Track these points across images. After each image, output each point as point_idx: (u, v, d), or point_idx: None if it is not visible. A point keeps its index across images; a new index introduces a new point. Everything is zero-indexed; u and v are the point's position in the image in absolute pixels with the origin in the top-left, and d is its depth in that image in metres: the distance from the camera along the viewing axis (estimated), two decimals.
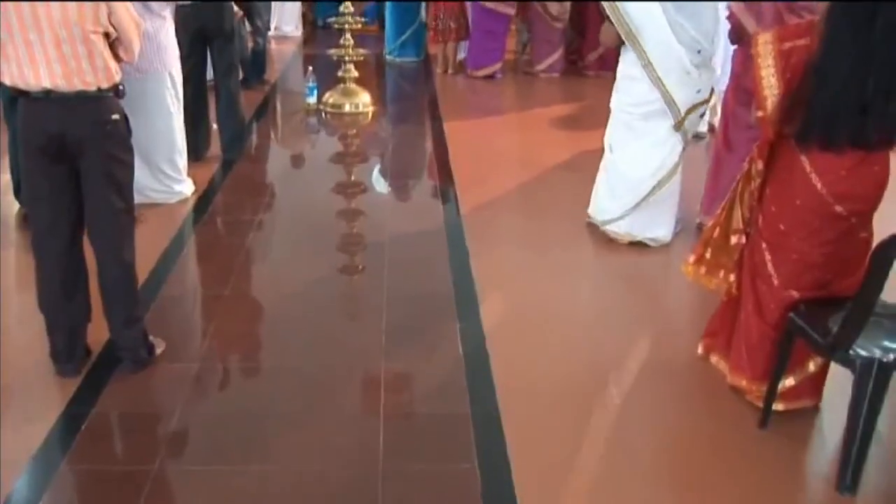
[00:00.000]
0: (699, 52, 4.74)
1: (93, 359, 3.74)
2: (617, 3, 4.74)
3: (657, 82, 4.73)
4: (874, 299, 2.87)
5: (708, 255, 3.59)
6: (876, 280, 2.80)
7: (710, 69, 4.89)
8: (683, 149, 4.93)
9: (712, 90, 4.89)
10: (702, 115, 4.90)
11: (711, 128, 6.62)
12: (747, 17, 4.54)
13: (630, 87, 4.90)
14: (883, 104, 2.89)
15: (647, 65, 4.72)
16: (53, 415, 3.36)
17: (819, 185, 3.05)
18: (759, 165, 3.27)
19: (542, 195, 5.99)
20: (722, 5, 5.18)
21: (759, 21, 4.49)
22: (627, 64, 4.89)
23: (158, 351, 3.80)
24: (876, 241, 2.90)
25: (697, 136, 5.00)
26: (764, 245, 3.28)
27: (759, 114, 3.15)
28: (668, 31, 4.66)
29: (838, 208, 3.05)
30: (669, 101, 4.76)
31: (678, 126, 4.82)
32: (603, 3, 4.86)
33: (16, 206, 5.34)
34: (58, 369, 3.65)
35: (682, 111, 4.77)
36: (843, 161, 2.99)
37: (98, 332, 3.74)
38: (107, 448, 3.21)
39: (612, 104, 5.08)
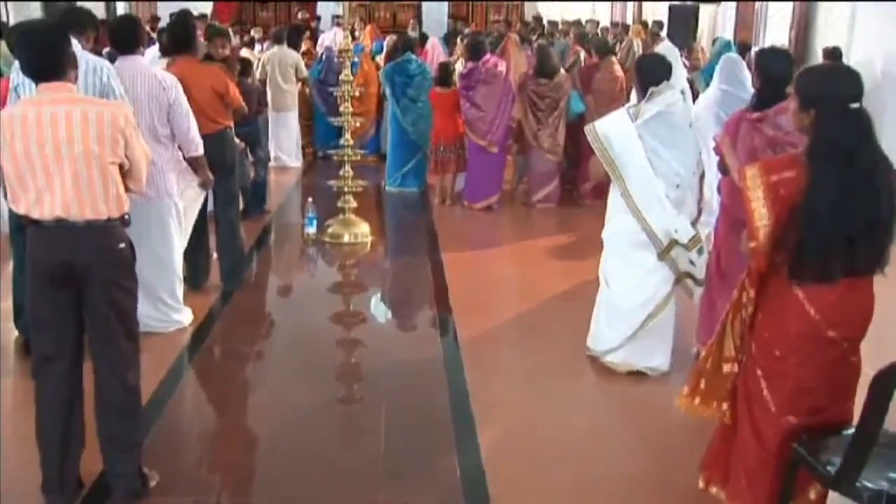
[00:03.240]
0: (678, 185, 4.85)
1: (84, 492, 3.67)
2: (598, 133, 4.89)
3: (636, 212, 4.83)
4: (877, 430, 2.85)
5: (702, 386, 3.60)
6: (877, 410, 2.80)
7: (688, 212, 4.96)
8: (677, 280, 4.97)
9: (696, 235, 4.94)
10: (692, 262, 4.92)
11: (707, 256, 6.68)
12: (731, 151, 4.66)
13: (619, 218, 5.00)
14: (869, 234, 3.00)
15: (626, 195, 4.83)
16: None
17: (812, 312, 3.10)
18: (751, 293, 3.31)
19: (541, 325, 6.00)
20: (708, 138, 5.32)
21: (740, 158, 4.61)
22: (616, 194, 5.00)
23: (152, 483, 3.74)
24: (866, 366, 2.91)
25: (697, 282, 5.05)
26: (759, 372, 3.29)
27: (752, 244, 3.21)
28: (646, 163, 4.78)
29: (831, 333, 3.10)
30: (650, 232, 4.84)
31: (661, 256, 4.88)
32: (586, 131, 5.01)
33: (15, 333, 5.34)
34: (48, 501, 3.58)
35: (664, 241, 4.84)
36: (834, 288, 3.06)
37: (90, 464, 3.68)
38: None
39: (604, 235, 5.18)
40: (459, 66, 10.11)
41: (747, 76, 6.17)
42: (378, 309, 6.56)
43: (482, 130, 9.08)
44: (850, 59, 9.31)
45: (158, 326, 5.55)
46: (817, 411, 3.21)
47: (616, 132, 4.89)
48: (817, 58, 10.16)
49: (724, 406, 3.52)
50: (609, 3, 19.92)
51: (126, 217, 3.53)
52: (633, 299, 5.00)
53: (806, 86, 3.24)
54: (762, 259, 3.18)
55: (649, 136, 4.83)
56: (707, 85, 7.42)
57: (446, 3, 21.27)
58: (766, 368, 3.25)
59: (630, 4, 18.99)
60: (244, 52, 11.13)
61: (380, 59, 11.86)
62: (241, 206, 7.27)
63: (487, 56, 9.24)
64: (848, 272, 3.05)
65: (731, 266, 4.93)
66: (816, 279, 3.07)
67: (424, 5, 21.34)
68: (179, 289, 5.71)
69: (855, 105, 3.07)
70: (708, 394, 3.59)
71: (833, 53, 9.42)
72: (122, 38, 5.42)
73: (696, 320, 5.34)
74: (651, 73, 5.00)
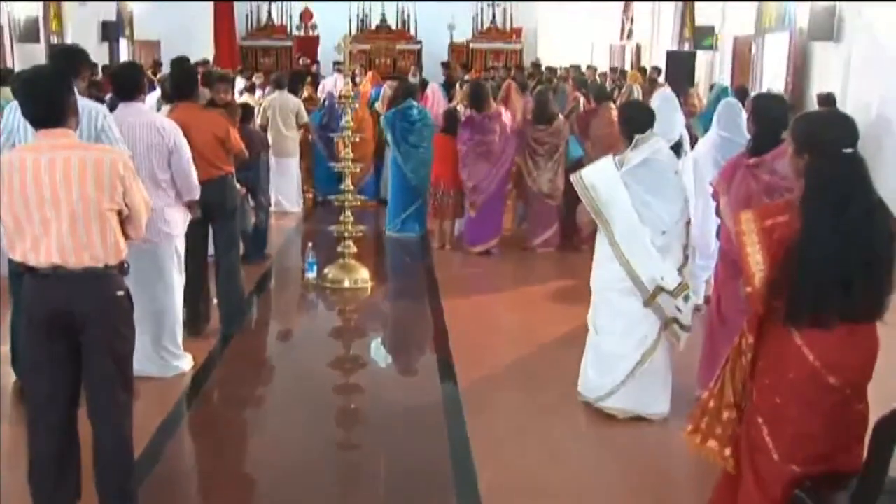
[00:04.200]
0: (664, 232, 4.86)
1: None
2: (585, 181, 4.92)
3: (622, 259, 4.84)
4: (882, 478, 2.83)
5: (703, 425, 3.57)
6: (880, 458, 2.78)
7: (675, 259, 4.97)
8: (665, 326, 4.96)
9: (683, 282, 4.95)
10: (678, 308, 4.92)
11: (707, 300, 6.69)
12: (726, 197, 4.68)
13: (606, 265, 5.00)
14: (866, 279, 3.00)
15: (613, 243, 4.85)
16: None
17: (811, 357, 3.09)
18: (750, 339, 3.31)
19: (541, 370, 5.98)
20: (707, 183, 5.34)
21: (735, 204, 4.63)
22: (603, 241, 5.02)
23: None
24: (872, 413, 2.90)
25: (683, 328, 5.04)
26: (760, 419, 3.27)
27: (748, 290, 3.21)
28: (632, 210, 4.80)
29: (832, 380, 3.08)
30: (636, 279, 4.85)
31: (647, 303, 4.88)
32: (572, 179, 5.04)
33: (13, 377, 5.32)
34: None
35: (650, 288, 4.85)
36: (833, 334, 3.06)
37: None
38: None
39: (591, 282, 5.18)
40: (460, 111, 10.17)
41: (745, 122, 6.22)
42: (378, 354, 6.54)
43: (469, 189, 9.15)
44: (846, 104, 9.39)
45: (159, 372, 5.53)
46: (822, 460, 3.17)
47: (602, 180, 4.92)
48: (813, 103, 10.26)
49: (727, 452, 3.49)
50: (608, 49, 20.15)
51: (125, 265, 3.53)
52: (621, 346, 5.00)
53: (801, 131, 3.28)
54: (759, 305, 3.19)
55: (635, 184, 4.85)
56: (705, 131, 7.47)
57: (446, 50, 21.50)
58: (768, 416, 3.24)
59: (628, 50, 19.21)
60: (245, 98, 11.21)
61: (379, 105, 11.94)
62: (242, 251, 7.28)
63: (493, 109, 9.27)
64: (846, 318, 3.05)
65: (731, 310, 4.93)
66: (813, 324, 3.07)
67: (424, 51, 21.58)
68: (180, 335, 5.70)
69: (849, 150, 3.10)
70: (708, 433, 3.57)
71: (827, 99, 9.50)
72: (124, 84, 5.47)
73: (696, 362, 5.33)
74: (636, 121, 5.04)
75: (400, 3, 21.98)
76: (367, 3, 21.82)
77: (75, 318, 3.39)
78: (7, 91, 6.95)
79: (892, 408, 2.75)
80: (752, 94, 10.71)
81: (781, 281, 3.09)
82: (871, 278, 3.02)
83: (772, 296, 3.14)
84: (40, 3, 13.99)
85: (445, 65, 17.38)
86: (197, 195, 5.56)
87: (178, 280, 5.61)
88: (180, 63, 8.13)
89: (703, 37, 14.89)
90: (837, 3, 10.34)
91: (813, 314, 3.05)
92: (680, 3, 16.45)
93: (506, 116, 9.36)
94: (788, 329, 3.13)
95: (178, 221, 5.53)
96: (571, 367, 5.38)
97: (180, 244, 5.59)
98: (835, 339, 3.05)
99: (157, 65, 15.96)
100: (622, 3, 20.02)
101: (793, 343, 3.12)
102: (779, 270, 3.09)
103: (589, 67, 16.50)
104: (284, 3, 21.75)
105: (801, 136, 3.25)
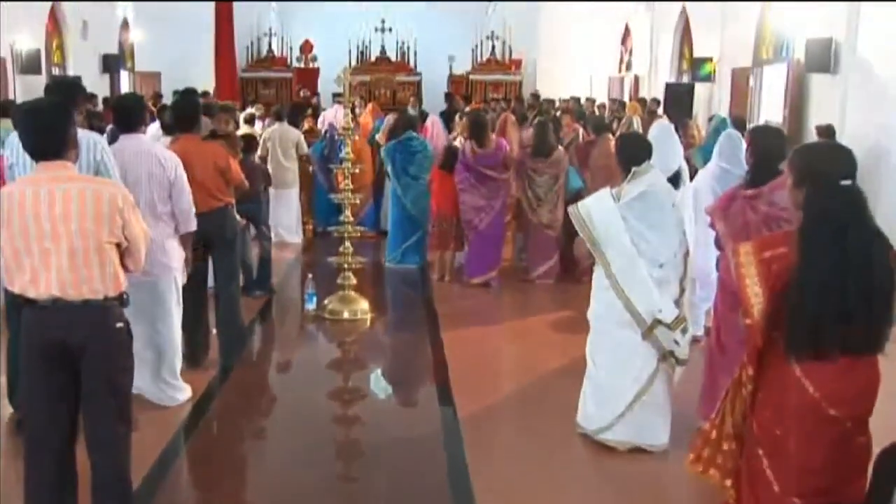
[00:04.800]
0: (661, 265, 4.86)
1: None
2: (581, 213, 4.92)
3: (619, 292, 4.83)
4: None
5: (705, 455, 3.56)
6: (882, 492, 2.77)
7: (672, 291, 4.97)
8: (662, 357, 4.95)
9: (680, 315, 4.95)
10: (676, 342, 4.91)
11: (707, 331, 6.67)
12: (724, 228, 4.69)
13: (603, 297, 5.00)
14: (866, 311, 3.00)
15: (610, 275, 4.85)
16: None
17: (811, 389, 3.08)
18: (750, 371, 3.30)
19: (540, 402, 5.96)
20: (701, 217, 5.35)
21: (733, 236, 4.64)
22: (600, 273, 5.01)
23: None
24: (874, 446, 2.88)
25: (679, 361, 5.02)
26: (761, 451, 3.26)
27: (747, 321, 3.21)
28: (629, 243, 4.80)
29: (833, 412, 3.07)
30: (633, 312, 4.84)
31: (645, 335, 4.87)
32: (570, 211, 5.04)
33: (9, 410, 5.29)
34: None
35: (648, 321, 4.84)
36: (834, 365, 3.05)
37: None
38: None
39: (589, 314, 5.17)
40: (459, 143, 10.19)
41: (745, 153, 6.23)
42: (377, 385, 6.53)
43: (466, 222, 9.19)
44: (844, 136, 9.42)
45: (157, 403, 5.51)
46: (824, 492, 3.15)
47: (599, 213, 4.93)
48: (810, 134, 10.30)
49: (728, 483, 3.47)
50: (606, 81, 20.28)
51: (124, 297, 3.54)
52: (618, 379, 4.99)
53: (799, 163, 3.30)
54: (758, 336, 3.18)
55: (632, 217, 4.86)
56: (705, 162, 7.48)
57: (446, 81, 21.62)
58: (768, 448, 3.22)
59: (627, 82, 19.32)
60: (244, 129, 11.25)
61: (380, 136, 11.99)
62: (242, 282, 7.28)
63: (493, 143, 9.29)
64: (846, 350, 3.04)
65: (731, 341, 4.93)
66: (812, 356, 3.06)
67: (424, 83, 21.69)
68: (178, 366, 5.69)
69: (847, 182, 3.11)
70: (710, 461, 3.56)
71: (827, 131, 9.54)
72: (125, 116, 5.50)
73: (696, 392, 5.31)
74: (633, 153, 5.05)
75: (400, 35, 22.12)
76: (367, 35, 21.96)
77: (74, 350, 3.39)
78: (8, 122, 6.98)
79: (893, 441, 2.73)
80: (751, 125, 10.78)
81: (780, 312, 3.08)
82: (871, 310, 3.01)
83: (771, 327, 3.14)
84: (43, 36, 14.12)
85: (449, 96, 17.46)
86: (193, 227, 5.57)
87: (176, 311, 5.61)
88: (186, 95, 8.17)
89: (700, 68, 14.98)
90: (834, 37, 10.41)
91: (812, 346, 3.05)
92: (678, 36, 16.58)
93: (507, 148, 9.39)
94: (788, 361, 3.13)
95: (177, 253, 5.54)
96: (571, 398, 5.37)
97: (179, 276, 5.59)
98: (835, 371, 3.04)
99: (157, 96, 16.03)
100: (620, 36, 20.20)
101: (793, 375, 3.11)
102: (778, 302, 3.09)
103: (588, 99, 16.59)
104: (285, 35, 21.90)
105: (800, 167, 3.27)
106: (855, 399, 3.09)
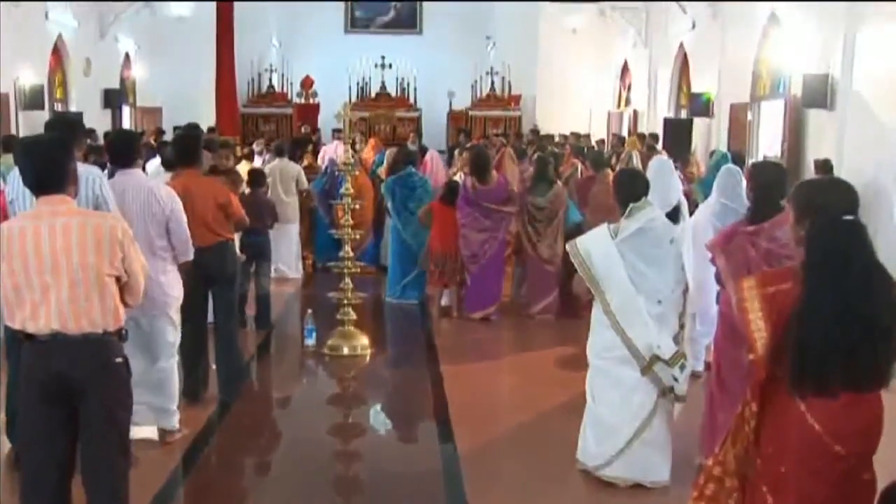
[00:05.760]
0: (659, 301, 4.86)
1: None
2: (580, 250, 4.92)
3: (618, 328, 4.82)
4: None
5: (708, 492, 3.53)
6: None
7: (670, 328, 4.96)
8: (662, 393, 4.93)
9: (679, 351, 4.94)
10: (675, 378, 4.90)
11: (708, 366, 6.65)
12: (724, 264, 4.69)
13: (602, 333, 4.99)
14: (870, 346, 2.97)
15: (608, 312, 4.84)
16: None
17: (816, 426, 3.05)
18: (753, 407, 3.28)
19: (540, 437, 5.93)
20: (701, 252, 5.35)
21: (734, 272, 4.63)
22: (598, 309, 5.01)
23: None
24: (879, 482, 2.86)
25: (678, 397, 5.01)
26: (765, 487, 3.23)
27: (751, 357, 3.20)
28: (627, 279, 4.80)
29: (837, 448, 3.04)
30: (632, 348, 4.83)
31: (644, 371, 4.85)
32: (568, 249, 5.04)
33: (7, 445, 5.26)
34: None
35: (647, 357, 4.82)
36: (838, 401, 3.02)
37: None
38: None
39: (587, 350, 5.16)
40: (459, 178, 10.22)
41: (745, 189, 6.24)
42: (377, 421, 6.50)
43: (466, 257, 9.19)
44: (841, 170, 9.46)
45: (155, 438, 5.47)
46: None
47: (597, 249, 4.93)
48: (809, 168, 10.34)
49: None
50: (605, 116, 20.40)
51: (123, 332, 3.53)
52: (618, 415, 4.97)
53: (801, 198, 3.31)
54: (762, 371, 3.17)
55: (630, 253, 4.87)
56: (706, 196, 7.50)
57: (445, 117, 21.72)
58: (772, 484, 3.19)
59: (626, 117, 19.43)
60: (244, 165, 11.28)
61: (381, 171, 12.03)
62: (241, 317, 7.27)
63: (494, 179, 9.32)
64: (849, 386, 3.01)
65: (731, 377, 4.91)
66: (816, 392, 3.04)
67: (424, 118, 21.78)
68: (176, 400, 5.64)
69: (849, 217, 3.11)
70: (713, 500, 3.52)
71: (825, 166, 9.58)
72: (120, 152, 5.52)
73: (697, 427, 5.28)
74: (630, 190, 5.05)
75: (399, 72, 22.25)
76: (367, 72, 22.08)
77: (73, 384, 3.38)
78: (9, 158, 7.01)
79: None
80: (750, 160, 10.82)
81: (783, 348, 3.07)
82: (875, 346, 2.99)
83: (775, 363, 3.12)
84: (46, 71, 14.21)
85: (463, 130, 17.72)
86: (191, 257, 5.57)
87: (174, 346, 5.58)
88: (188, 130, 8.21)
89: (698, 103, 15.06)
90: (830, 73, 10.49)
91: (816, 382, 3.02)
92: (676, 71, 16.70)
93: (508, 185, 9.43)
94: (792, 396, 3.11)
95: (175, 288, 5.52)
96: (571, 434, 5.34)
97: (174, 312, 5.56)
98: (839, 407, 3.02)
99: (159, 132, 16.08)
100: (619, 71, 20.35)
101: (796, 410, 3.09)
102: (781, 338, 3.08)
103: (585, 136, 16.67)
104: (285, 71, 22.02)
105: (802, 203, 3.28)
106: (860, 435, 3.06)
